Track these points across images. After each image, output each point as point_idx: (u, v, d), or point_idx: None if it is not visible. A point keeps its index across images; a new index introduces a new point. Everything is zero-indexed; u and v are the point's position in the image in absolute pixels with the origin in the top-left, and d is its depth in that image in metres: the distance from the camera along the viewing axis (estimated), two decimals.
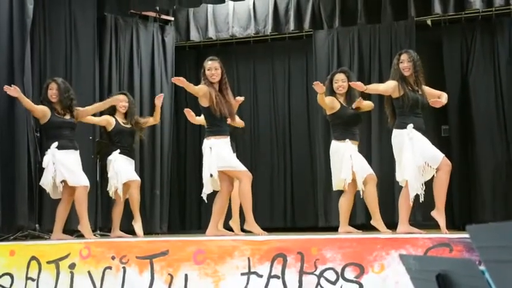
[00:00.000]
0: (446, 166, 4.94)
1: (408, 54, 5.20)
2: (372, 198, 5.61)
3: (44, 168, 5.77)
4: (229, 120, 5.38)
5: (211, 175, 5.23)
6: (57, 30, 7.23)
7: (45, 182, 5.72)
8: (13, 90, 5.64)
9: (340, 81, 5.75)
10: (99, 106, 6.24)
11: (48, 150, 5.71)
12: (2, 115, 6.27)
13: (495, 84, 7.68)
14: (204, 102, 5.27)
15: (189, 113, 5.98)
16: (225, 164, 5.23)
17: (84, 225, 5.76)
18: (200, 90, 5.25)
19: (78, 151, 5.86)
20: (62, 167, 5.67)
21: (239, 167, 5.30)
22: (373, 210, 5.63)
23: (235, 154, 5.84)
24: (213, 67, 5.30)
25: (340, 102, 5.74)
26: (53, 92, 5.82)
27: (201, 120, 5.83)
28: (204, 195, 5.34)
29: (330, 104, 5.68)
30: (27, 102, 5.75)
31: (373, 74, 7.74)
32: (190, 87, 5.21)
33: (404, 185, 5.02)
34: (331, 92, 5.76)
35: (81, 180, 5.74)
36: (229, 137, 5.41)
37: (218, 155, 5.22)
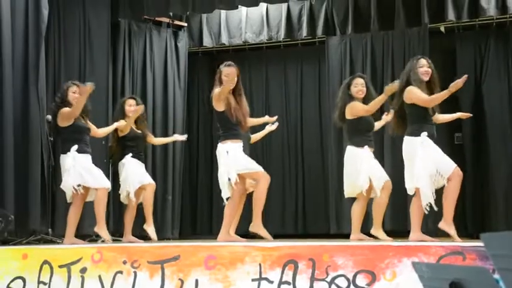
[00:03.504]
0: (458, 176, 4.88)
1: (427, 59, 5.15)
2: (380, 206, 5.54)
3: (59, 172, 5.79)
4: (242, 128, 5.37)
5: (229, 179, 5.18)
6: (71, 35, 7.28)
7: (67, 185, 5.69)
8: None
9: (360, 85, 5.68)
10: (108, 130, 6.34)
11: (68, 153, 5.67)
12: (17, 120, 6.30)
13: (509, 91, 7.63)
14: (220, 107, 5.26)
15: None
16: (243, 167, 5.21)
17: (102, 227, 5.78)
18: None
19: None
20: (83, 170, 5.69)
21: (257, 168, 5.29)
22: (377, 219, 5.56)
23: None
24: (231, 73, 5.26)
25: None
26: (76, 96, 5.76)
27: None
28: (224, 198, 5.31)
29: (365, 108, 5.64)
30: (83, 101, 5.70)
31: (386, 80, 7.68)
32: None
33: (414, 192, 4.99)
34: (350, 96, 5.72)
35: (103, 182, 5.77)
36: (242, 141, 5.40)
37: (236, 158, 5.21)
